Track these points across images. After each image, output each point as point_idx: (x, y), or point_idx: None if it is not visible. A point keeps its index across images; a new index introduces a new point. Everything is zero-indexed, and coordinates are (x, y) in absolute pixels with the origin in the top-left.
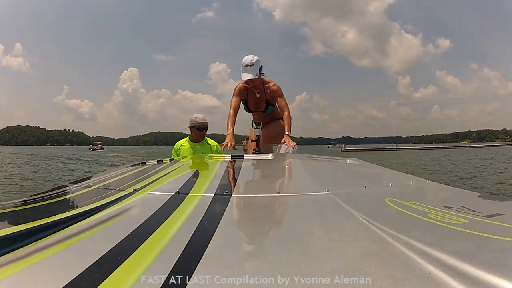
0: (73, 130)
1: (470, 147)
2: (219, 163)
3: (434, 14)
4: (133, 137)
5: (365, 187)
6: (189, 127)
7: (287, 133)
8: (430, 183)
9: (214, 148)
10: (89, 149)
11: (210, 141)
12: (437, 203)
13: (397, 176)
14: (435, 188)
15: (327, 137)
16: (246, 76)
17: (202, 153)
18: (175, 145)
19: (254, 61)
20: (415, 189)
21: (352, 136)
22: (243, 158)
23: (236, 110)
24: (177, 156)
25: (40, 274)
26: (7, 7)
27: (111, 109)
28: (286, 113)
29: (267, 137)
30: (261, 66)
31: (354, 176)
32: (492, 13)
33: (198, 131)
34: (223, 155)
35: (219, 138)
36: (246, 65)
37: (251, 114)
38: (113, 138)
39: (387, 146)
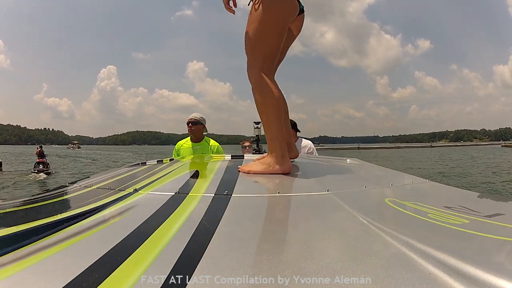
0: (52, 129)
1: (432, 146)
2: (219, 163)
3: (414, 15)
4: (111, 136)
5: (365, 187)
6: None
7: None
8: (430, 183)
9: (215, 149)
10: (67, 148)
11: (211, 141)
12: (437, 203)
13: (397, 176)
14: (435, 188)
15: (303, 137)
16: None
17: (202, 153)
18: (176, 145)
19: None
20: (415, 189)
21: (329, 136)
22: (243, 158)
23: None
24: (178, 156)
25: (40, 274)
26: None
27: (89, 107)
28: None
29: None
30: None
31: (354, 176)
32: (473, 14)
33: (187, 126)
34: (223, 155)
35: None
36: None
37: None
38: (92, 137)
39: (351, 146)
